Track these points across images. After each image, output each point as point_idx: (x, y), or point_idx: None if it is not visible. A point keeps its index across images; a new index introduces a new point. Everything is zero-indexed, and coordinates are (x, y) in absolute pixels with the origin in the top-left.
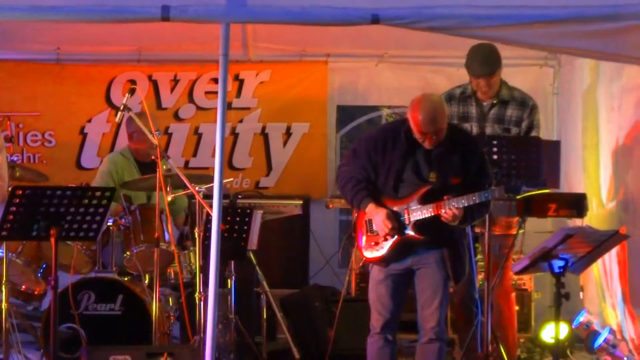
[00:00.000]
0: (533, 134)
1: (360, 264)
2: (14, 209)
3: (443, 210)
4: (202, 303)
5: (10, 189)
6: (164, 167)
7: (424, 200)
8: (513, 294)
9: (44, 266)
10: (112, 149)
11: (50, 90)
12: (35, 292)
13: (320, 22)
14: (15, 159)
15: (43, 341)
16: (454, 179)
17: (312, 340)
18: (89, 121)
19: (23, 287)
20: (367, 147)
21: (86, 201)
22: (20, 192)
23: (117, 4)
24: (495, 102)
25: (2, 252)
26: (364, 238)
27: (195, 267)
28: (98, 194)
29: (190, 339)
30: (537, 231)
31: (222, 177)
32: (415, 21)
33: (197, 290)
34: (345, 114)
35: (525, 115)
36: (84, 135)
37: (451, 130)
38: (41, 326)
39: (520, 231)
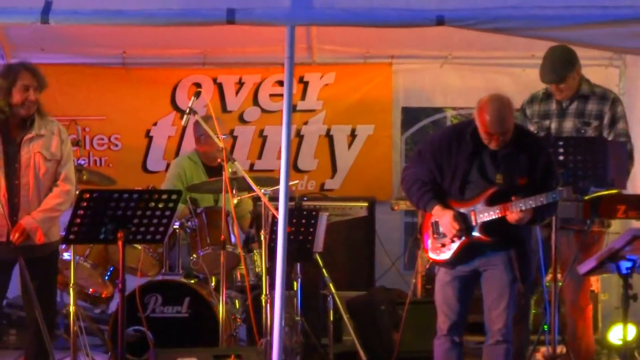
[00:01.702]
0: (620, 125)
1: (427, 266)
2: (81, 212)
3: (510, 212)
4: (268, 305)
5: (77, 192)
6: (230, 169)
7: (491, 202)
8: (589, 307)
9: (111, 269)
10: (177, 152)
11: (116, 94)
12: (103, 295)
13: (385, 23)
14: (82, 162)
15: (110, 344)
16: (520, 180)
17: (378, 343)
18: (155, 124)
19: (90, 290)
20: (432, 149)
21: (153, 204)
22: (88, 195)
23: (183, 8)
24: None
25: (70, 255)
26: (430, 240)
27: (261, 270)
28: (165, 196)
29: (256, 342)
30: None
31: (288, 180)
32: (481, 22)
33: (264, 293)
34: (410, 115)
35: (606, 108)
36: (149, 138)
37: (517, 131)
38: (108, 329)
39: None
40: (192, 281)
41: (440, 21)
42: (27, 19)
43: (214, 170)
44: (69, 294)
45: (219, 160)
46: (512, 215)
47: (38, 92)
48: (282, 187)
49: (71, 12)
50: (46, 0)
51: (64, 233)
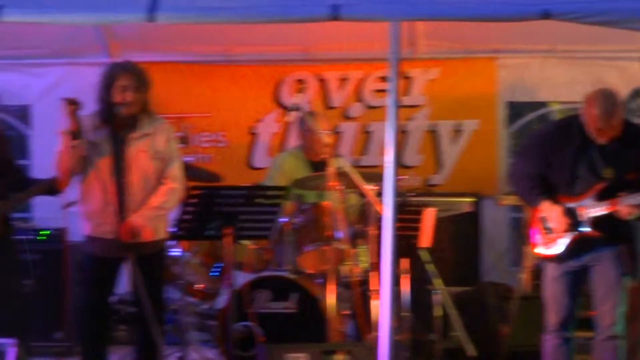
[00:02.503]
0: None
1: (534, 262)
2: (190, 209)
3: (619, 207)
4: (375, 301)
5: (186, 189)
6: (336, 165)
7: (600, 197)
8: None
9: (218, 265)
10: (282, 148)
11: (221, 91)
12: (210, 291)
13: (490, 18)
14: (188, 160)
15: (219, 339)
16: (630, 175)
17: (487, 338)
18: (259, 121)
19: (198, 286)
20: (539, 144)
21: (260, 200)
22: (196, 192)
23: (287, 4)
24: None
25: (178, 251)
26: (539, 235)
27: (368, 265)
28: (271, 193)
29: (364, 337)
30: None
31: (394, 176)
32: (588, 15)
33: (371, 288)
34: (515, 110)
35: None
36: (254, 135)
37: (626, 125)
38: (217, 324)
39: None
40: (299, 277)
41: (546, 14)
42: (133, 18)
43: (318, 166)
44: (177, 290)
45: (323, 156)
46: (622, 211)
47: (139, 92)
48: (388, 183)
49: (177, 10)
50: None
51: (172, 230)
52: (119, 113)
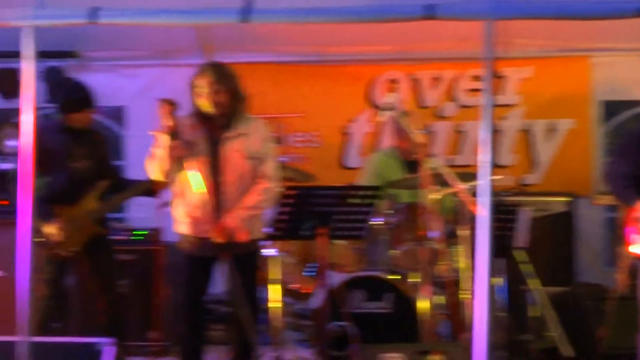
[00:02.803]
0: None
1: (630, 261)
2: (284, 209)
3: None
4: (470, 301)
5: (281, 189)
6: (430, 165)
7: None
8: None
9: (312, 265)
10: (374, 148)
11: (314, 91)
12: (304, 291)
13: (586, 16)
14: (282, 159)
15: (314, 339)
16: None
17: (582, 339)
18: (352, 121)
19: (293, 285)
20: (636, 143)
21: (353, 200)
22: (291, 192)
23: (381, 4)
24: None
25: (272, 251)
26: (634, 235)
27: (462, 266)
28: (365, 192)
29: (458, 338)
30: None
31: (489, 176)
32: None
33: (465, 288)
34: (609, 109)
35: None
36: (347, 135)
37: None
38: (311, 324)
39: None
40: (394, 277)
41: None
42: (227, 19)
43: (412, 166)
44: (271, 289)
45: (416, 155)
46: None
47: (222, 92)
48: (483, 184)
49: (271, 11)
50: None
51: (267, 229)
52: (206, 113)
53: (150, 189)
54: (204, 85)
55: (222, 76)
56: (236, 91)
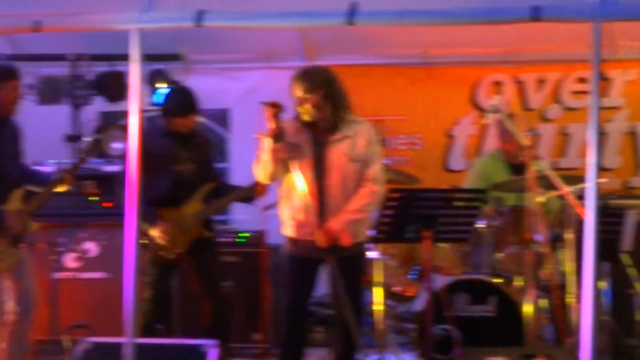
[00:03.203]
0: None
1: None
2: (389, 211)
3: None
4: (575, 305)
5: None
6: (535, 168)
7: None
8: None
9: (416, 268)
10: (478, 151)
11: (417, 93)
12: (408, 294)
13: None
14: (386, 162)
15: (417, 342)
16: None
17: None
18: (456, 123)
19: (396, 288)
20: None
21: (458, 203)
22: (395, 195)
23: (487, 6)
24: None
25: (376, 254)
26: None
27: (568, 269)
28: (470, 195)
29: (563, 341)
30: None
31: (595, 178)
32: None
33: (571, 292)
34: None
35: None
36: (450, 137)
37: None
38: (415, 327)
39: None
40: (498, 280)
41: None
42: (332, 21)
43: (517, 168)
44: (374, 292)
45: (521, 158)
46: None
47: (320, 99)
48: (590, 187)
49: (376, 13)
50: (352, 2)
51: (371, 232)
52: (306, 117)
53: (252, 195)
54: (296, 93)
55: (312, 83)
56: (333, 96)
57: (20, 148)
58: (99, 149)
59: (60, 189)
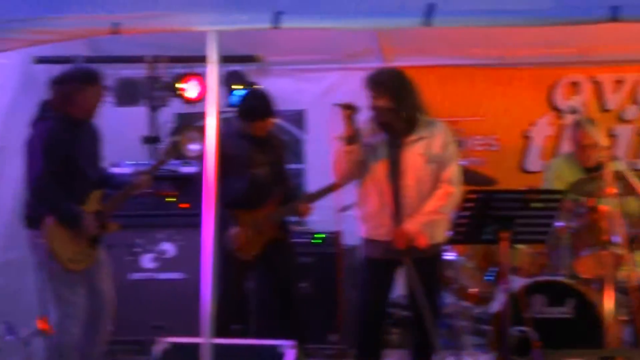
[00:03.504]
0: None
1: None
2: (466, 213)
3: None
4: None
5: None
6: (613, 169)
7: None
8: None
9: (493, 269)
10: (555, 152)
11: (494, 94)
12: (484, 295)
13: None
14: (463, 163)
15: (494, 344)
16: None
17: None
18: (533, 124)
19: (473, 290)
20: None
21: (535, 204)
22: (473, 196)
23: (565, 6)
24: None
25: (452, 255)
26: None
27: None
28: (547, 197)
29: None
30: None
31: None
32: None
33: None
34: None
35: None
36: (526, 138)
37: None
38: (492, 329)
39: None
40: (576, 282)
41: None
42: (410, 23)
43: (592, 171)
44: (451, 293)
45: (598, 160)
46: None
47: (389, 101)
48: None
49: (454, 14)
50: (429, 3)
51: (448, 233)
52: (375, 119)
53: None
54: (368, 95)
55: (382, 86)
56: (405, 98)
57: (99, 151)
58: (177, 151)
59: (138, 191)
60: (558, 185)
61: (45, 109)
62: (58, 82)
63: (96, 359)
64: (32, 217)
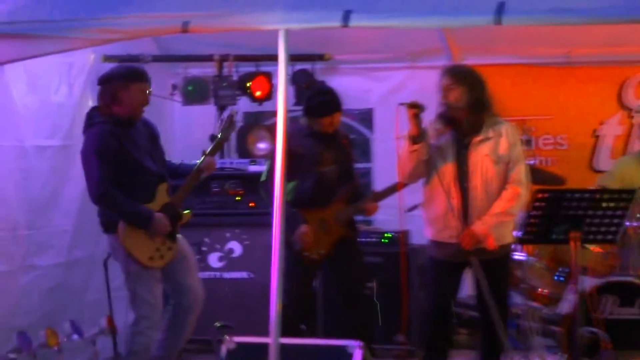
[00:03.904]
0: None
1: None
2: (535, 212)
3: None
4: None
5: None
6: None
7: None
8: None
9: (563, 270)
10: (625, 151)
11: (562, 93)
12: (554, 296)
13: None
14: (531, 162)
15: (564, 345)
16: None
17: None
18: (602, 123)
19: (542, 290)
20: None
21: (605, 204)
22: (542, 196)
23: (634, 3)
24: None
25: (522, 255)
26: None
27: None
28: (618, 196)
29: None
30: None
31: None
32: None
33: None
34: None
35: None
36: (596, 137)
37: None
38: (562, 330)
39: None
40: None
41: None
42: (480, 21)
43: None
44: (520, 294)
45: None
46: None
47: (465, 96)
48: None
49: (524, 13)
50: (499, 1)
51: (517, 233)
52: (453, 117)
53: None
54: (442, 85)
55: (459, 76)
56: (478, 94)
57: (158, 145)
58: (233, 126)
59: (205, 174)
60: (616, 184)
61: (93, 115)
62: (103, 82)
63: (175, 357)
64: (107, 222)
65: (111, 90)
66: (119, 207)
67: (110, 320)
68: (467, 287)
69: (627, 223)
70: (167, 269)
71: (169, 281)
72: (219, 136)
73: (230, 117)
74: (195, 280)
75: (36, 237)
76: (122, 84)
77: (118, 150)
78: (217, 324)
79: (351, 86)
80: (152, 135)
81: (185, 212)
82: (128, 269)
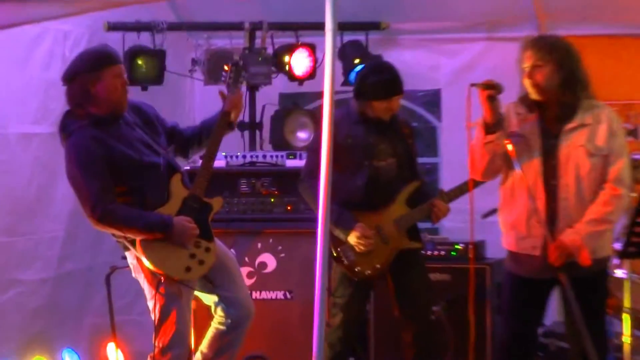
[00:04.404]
0: None
1: None
2: None
3: None
4: None
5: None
6: None
7: None
8: None
9: None
10: None
11: None
12: None
13: None
14: (636, 157)
15: None
16: None
17: None
18: None
19: None
20: None
21: None
22: None
23: None
24: None
25: (625, 272)
26: None
27: None
28: None
29: None
30: None
31: None
32: None
33: None
34: None
35: None
36: None
37: None
38: None
39: None
40: None
41: None
42: None
43: None
44: (621, 320)
45: None
46: None
47: (556, 73)
48: None
49: None
50: None
51: (617, 245)
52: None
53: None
54: (525, 64)
55: (548, 52)
56: (571, 72)
57: (156, 129)
58: (239, 73)
59: (235, 113)
60: None
61: (67, 123)
62: (68, 80)
63: None
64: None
65: (81, 88)
66: (126, 224)
67: (116, 348)
68: (554, 312)
69: None
70: (207, 281)
71: (211, 293)
72: (230, 90)
73: (237, 65)
74: (241, 288)
75: (18, 246)
76: (91, 76)
77: (107, 156)
78: (248, 357)
79: (413, 62)
80: (146, 119)
81: (215, 199)
82: (160, 290)
